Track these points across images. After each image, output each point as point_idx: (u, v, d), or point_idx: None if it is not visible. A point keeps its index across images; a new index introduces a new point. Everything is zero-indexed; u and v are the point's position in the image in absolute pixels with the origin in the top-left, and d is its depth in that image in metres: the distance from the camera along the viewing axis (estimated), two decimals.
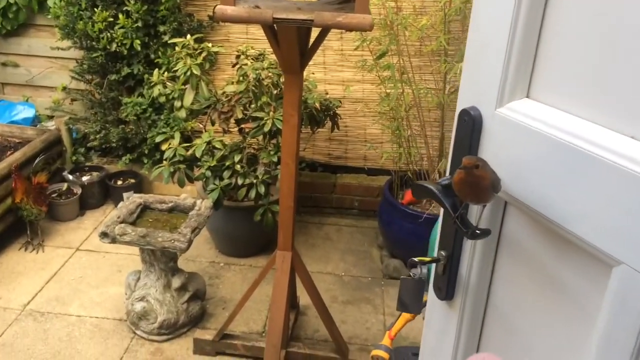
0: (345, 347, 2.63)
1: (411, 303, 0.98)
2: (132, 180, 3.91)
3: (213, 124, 3.21)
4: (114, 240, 2.57)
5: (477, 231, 0.80)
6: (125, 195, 3.68)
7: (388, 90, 3.13)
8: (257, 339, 2.70)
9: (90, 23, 3.55)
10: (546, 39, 0.78)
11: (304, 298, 2.82)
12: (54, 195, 3.67)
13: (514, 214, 0.87)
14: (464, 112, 0.89)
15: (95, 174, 3.90)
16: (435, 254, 1.00)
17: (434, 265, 1.01)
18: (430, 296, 1.03)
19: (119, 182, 3.91)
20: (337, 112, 3.39)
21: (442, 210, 0.96)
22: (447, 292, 0.98)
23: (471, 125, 0.87)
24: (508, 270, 0.90)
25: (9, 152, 3.58)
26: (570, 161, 0.72)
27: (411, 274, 0.98)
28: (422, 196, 0.93)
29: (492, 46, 0.84)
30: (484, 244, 0.92)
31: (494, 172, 0.80)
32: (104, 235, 2.57)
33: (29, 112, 4.09)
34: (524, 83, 0.82)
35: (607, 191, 0.67)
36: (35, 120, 4.13)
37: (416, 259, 0.96)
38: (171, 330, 2.73)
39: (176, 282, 2.72)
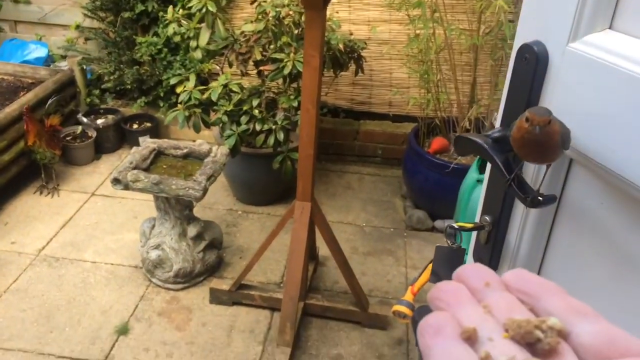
0: (365, 299, 2.55)
1: (447, 276, 0.84)
2: (148, 124, 3.79)
3: (230, 65, 3.04)
4: (126, 187, 2.47)
5: (540, 198, 0.65)
6: (141, 139, 3.58)
7: (417, 31, 2.90)
8: (275, 290, 2.62)
9: None
10: None
11: (323, 249, 2.72)
12: (68, 139, 3.57)
13: (581, 174, 0.71)
14: (525, 48, 0.72)
15: (110, 117, 3.78)
16: (477, 219, 0.85)
17: (474, 233, 0.86)
18: None
19: (135, 126, 3.80)
20: (361, 54, 3.18)
21: (488, 167, 0.81)
22: (489, 264, 0.83)
23: (534, 65, 0.71)
24: (569, 241, 0.75)
25: (21, 93, 3.47)
26: None
27: (448, 241, 0.83)
28: (467, 151, 0.77)
29: None
30: (540, 210, 0.76)
31: (563, 125, 0.64)
32: (116, 181, 2.47)
33: (41, 52, 3.95)
34: (608, 9, 0.64)
35: None
36: (48, 60, 4.00)
37: (455, 225, 0.82)
38: (187, 279, 2.67)
39: (192, 230, 2.63)
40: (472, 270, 0.42)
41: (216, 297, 2.61)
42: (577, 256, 0.74)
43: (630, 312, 0.67)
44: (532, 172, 0.75)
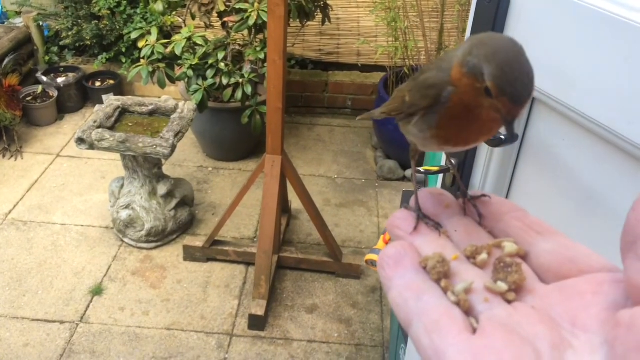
0: (339, 250, 2.57)
1: None
2: (111, 82, 3.68)
3: (193, 18, 2.95)
4: (91, 147, 2.41)
5: (502, 137, 0.65)
6: (104, 97, 3.48)
7: None
8: (249, 245, 2.63)
9: None
10: None
11: (295, 202, 2.73)
12: (28, 99, 3.45)
13: (543, 112, 0.71)
14: None
15: (71, 75, 3.65)
16: (443, 162, 0.85)
17: (440, 175, 0.86)
18: None
19: (98, 84, 3.69)
20: (328, 2, 3.11)
21: None
22: None
23: (496, 5, 0.69)
24: (532, 181, 0.76)
25: None
26: (636, 45, 0.55)
27: (415, 186, 0.83)
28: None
29: None
30: (503, 150, 0.77)
31: None
32: (80, 141, 2.41)
33: None
34: None
35: None
36: (1, 17, 3.81)
37: (422, 169, 0.82)
38: (160, 237, 2.65)
39: (162, 188, 2.60)
40: (430, 194, 0.42)
41: (190, 255, 2.61)
42: (540, 195, 0.75)
43: (594, 248, 0.68)
44: None
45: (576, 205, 0.68)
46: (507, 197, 0.80)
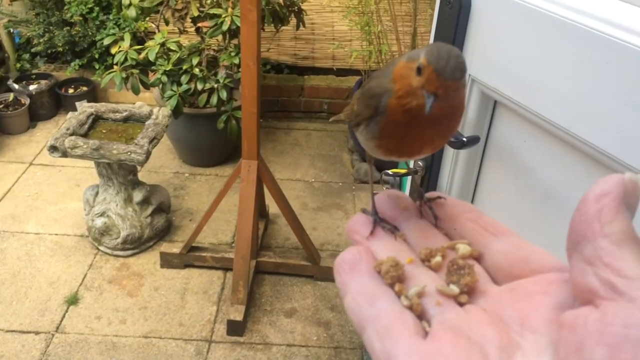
0: (317, 253, 2.58)
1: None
2: (85, 88, 3.64)
3: (167, 23, 2.94)
4: (64, 154, 2.39)
5: (464, 139, 0.66)
6: (77, 104, 3.44)
7: None
8: (227, 250, 2.62)
9: None
10: None
11: (273, 207, 2.73)
12: None
13: (505, 115, 0.73)
14: None
15: (43, 82, 3.61)
16: (411, 165, 0.87)
17: (409, 177, 0.88)
18: None
19: (71, 91, 3.64)
20: (302, 7, 3.12)
21: None
22: None
23: (457, 10, 0.71)
24: (496, 181, 0.78)
25: None
26: (587, 49, 0.57)
27: (384, 188, 0.85)
28: None
29: None
30: (469, 152, 0.78)
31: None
32: (53, 149, 2.38)
33: None
34: None
35: (632, 86, 0.53)
36: None
37: (390, 172, 0.83)
38: (136, 244, 2.63)
39: (137, 195, 2.58)
40: (388, 197, 0.42)
41: (167, 261, 2.59)
42: (504, 194, 0.77)
43: (553, 247, 0.70)
44: None
45: (536, 204, 0.70)
46: (472, 197, 0.82)
